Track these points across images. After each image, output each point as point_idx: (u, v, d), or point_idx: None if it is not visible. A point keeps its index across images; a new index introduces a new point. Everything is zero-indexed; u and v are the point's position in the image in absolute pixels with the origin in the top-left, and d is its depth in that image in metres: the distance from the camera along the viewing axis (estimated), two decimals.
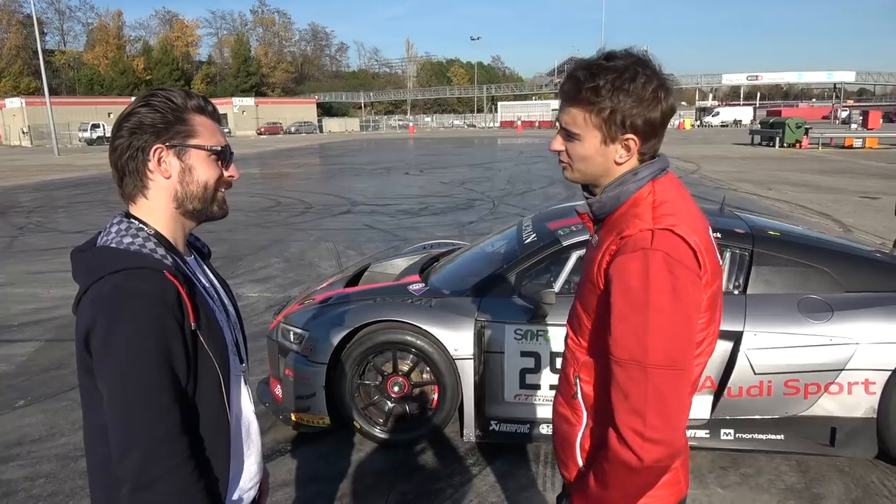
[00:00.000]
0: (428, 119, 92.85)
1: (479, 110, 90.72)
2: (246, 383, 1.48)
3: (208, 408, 1.29)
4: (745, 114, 70.74)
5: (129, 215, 1.33)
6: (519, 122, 72.51)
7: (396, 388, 3.74)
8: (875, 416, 3.35)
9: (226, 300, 1.46)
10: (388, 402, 3.77)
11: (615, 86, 1.32)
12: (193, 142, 1.32)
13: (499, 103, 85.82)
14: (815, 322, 3.36)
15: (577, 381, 1.46)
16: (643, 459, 1.24)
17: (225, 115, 72.95)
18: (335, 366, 3.71)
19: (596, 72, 1.34)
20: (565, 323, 1.61)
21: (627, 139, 1.36)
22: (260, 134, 67.34)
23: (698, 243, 1.30)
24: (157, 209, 1.33)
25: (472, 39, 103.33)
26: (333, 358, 3.69)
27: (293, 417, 3.83)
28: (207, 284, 1.42)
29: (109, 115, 59.27)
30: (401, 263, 5.00)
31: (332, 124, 79.16)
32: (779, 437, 3.43)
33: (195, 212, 1.36)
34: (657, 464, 1.25)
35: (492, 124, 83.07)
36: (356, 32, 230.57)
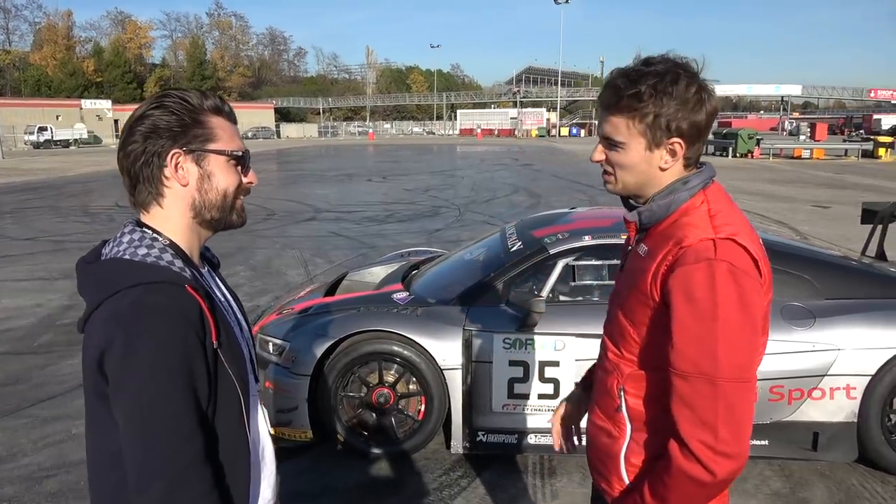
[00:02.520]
0: (387, 126, 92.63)
1: (439, 118, 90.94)
2: (262, 403, 1.40)
3: (228, 431, 1.20)
4: None
5: (140, 224, 1.23)
6: (479, 130, 72.97)
7: (382, 400, 3.65)
8: (856, 420, 3.42)
9: (239, 315, 1.37)
10: (374, 415, 3.68)
11: (657, 90, 1.29)
12: (213, 146, 1.23)
13: (458, 111, 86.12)
14: (797, 329, 3.42)
15: (622, 393, 1.42)
16: (715, 473, 1.21)
17: None
18: (318, 378, 3.60)
19: (636, 78, 1.31)
20: (601, 334, 1.58)
21: (673, 143, 1.33)
22: None
23: (758, 253, 1.28)
24: (172, 218, 1.23)
25: (432, 47, 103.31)
26: (316, 370, 3.58)
27: (273, 431, 3.69)
28: (222, 298, 1.32)
29: (58, 118, 57.40)
30: (379, 272, 4.92)
31: (290, 130, 78.21)
32: (763, 442, 3.46)
33: (213, 221, 1.27)
34: (729, 477, 1.22)
35: (451, 132, 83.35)
36: (315, 37, 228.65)
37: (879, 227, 4.67)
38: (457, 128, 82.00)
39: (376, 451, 3.66)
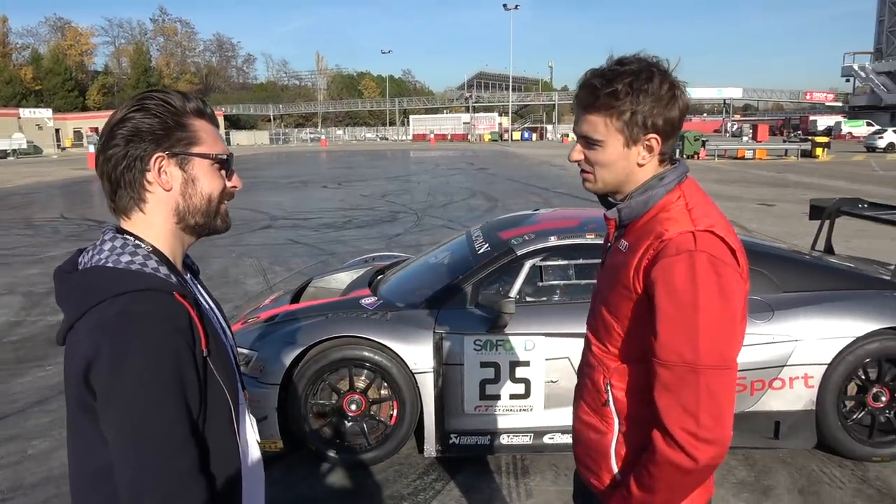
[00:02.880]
0: (340, 132, 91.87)
1: (392, 123, 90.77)
2: (249, 412, 1.37)
3: (220, 441, 1.17)
4: None
5: (121, 230, 1.19)
6: (432, 136, 73.09)
7: (354, 406, 3.62)
8: (814, 408, 3.55)
9: (223, 322, 1.34)
10: (345, 422, 3.64)
11: (633, 87, 1.33)
12: (197, 150, 1.19)
13: (410, 116, 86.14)
14: (757, 322, 3.53)
15: (609, 387, 1.45)
16: (698, 460, 1.24)
17: None
18: (287, 386, 3.55)
19: (612, 77, 1.35)
20: (585, 332, 1.60)
21: (649, 139, 1.37)
22: None
23: (735, 243, 1.32)
24: (155, 224, 1.19)
25: (383, 53, 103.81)
26: (285, 378, 3.53)
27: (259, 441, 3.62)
28: (207, 305, 1.29)
29: None
30: (344, 278, 4.88)
31: (241, 137, 76.77)
32: None
33: (197, 226, 1.23)
34: (712, 462, 1.26)
35: (404, 137, 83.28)
36: (264, 44, 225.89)
37: (827, 222, 4.88)
38: (410, 133, 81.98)
39: (349, 458, 3.62)
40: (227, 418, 1.19)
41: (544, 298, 3.77)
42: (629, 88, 1.33)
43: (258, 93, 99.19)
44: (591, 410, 1.51)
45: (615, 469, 1.46)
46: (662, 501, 1.32)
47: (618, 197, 1.46)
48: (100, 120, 73.87)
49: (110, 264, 1.12)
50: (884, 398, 3.63)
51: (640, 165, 1.40)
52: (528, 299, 3.74)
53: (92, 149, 36.61)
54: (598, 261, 3.98)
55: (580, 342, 3.70)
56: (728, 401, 1.27)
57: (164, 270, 1.15)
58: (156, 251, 1.18)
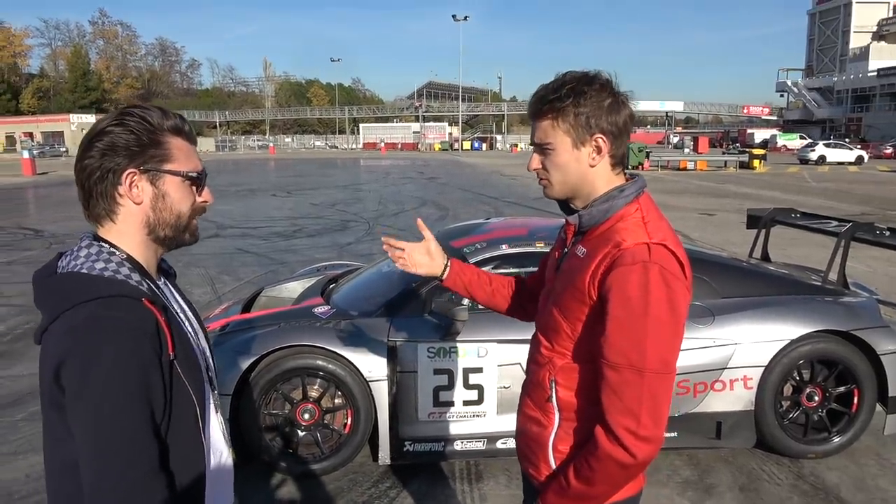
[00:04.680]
0: (288, 140, 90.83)
1: (341, 132, 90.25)
2: (218, 412, 1.39)
3: (184, 441, 1.21)
4: None
5: (97, 238, 1.24)
6: (382, 144, 72.99)
7: (307, 416, 3.60)
8: (753, 408, 3.72)
9: (195, 324, 1.39)
10: (299, 431, 3.61)
11: (575, 90, 1.43)
12: (168, 167, 1.25)
13: (361, 125, 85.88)
14: (699, 326, 3.68)
15: (553, 384, 1.51)
16: (636, 456, 1.32)
17: (61, 132, 66.88)
18: (239, 396, 3.50)
19: (556, 85, 1.46)
20: (522, 339, 1.66)
21: (596, 139, 1.45)
22: None
23: (684, 258, 1.39)
24: (127, 234, 1.25)
25: (333, 61, 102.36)
26: (237, 388, 3.48)
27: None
28: (179, 309, 1.34)
29: None
30: (296, 287, 4.85)
31: None
32: (673, 434, 3.69)
33: (166, 239, 1.30)
34: (648, 459, 1.33)
35: (354, 146, 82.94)
36: (209, 49, 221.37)
37: (763, 231, 5.12)
38: (360, 142, 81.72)
39: (303, 468, 3.60)
40: (193, 420, 1.23)
41: None
42: (571, 91, 1.43)
43: (203, 99, 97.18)
44: (534, 405, 1.58)
45: (552, 461, 1.52)
46: (599, 493, 1.40)
47: (577, 204, 1.53)
48: (34, 125, 71.15)
49: (84, 270, 1.17)
50: (816, 398, 3.82)
51: (591, 166, 1.48)
52: (481, 307, 3.79)
53: (27, 154, 35.16)
54: None
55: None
56: (666, 403, 1.35)
57: (136, 277, 1.20)
58: (130, 259, 1.24)
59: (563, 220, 1.57)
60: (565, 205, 1.56)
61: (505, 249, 3.84)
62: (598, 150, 1.46)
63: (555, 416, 1.52)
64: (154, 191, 1.24)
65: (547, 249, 3.88)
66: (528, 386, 1.65)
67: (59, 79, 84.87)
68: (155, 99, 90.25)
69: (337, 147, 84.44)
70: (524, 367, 3.57)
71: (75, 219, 15.02)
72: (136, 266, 1.23)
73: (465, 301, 3.71)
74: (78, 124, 67.90)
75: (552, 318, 1.53)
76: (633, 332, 1.32)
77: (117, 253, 1.22)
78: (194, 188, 1.30)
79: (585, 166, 1.47)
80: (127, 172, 1.20)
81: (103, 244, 1.22)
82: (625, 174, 1.52)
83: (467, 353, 3.56)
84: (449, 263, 1.93)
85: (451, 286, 1.95)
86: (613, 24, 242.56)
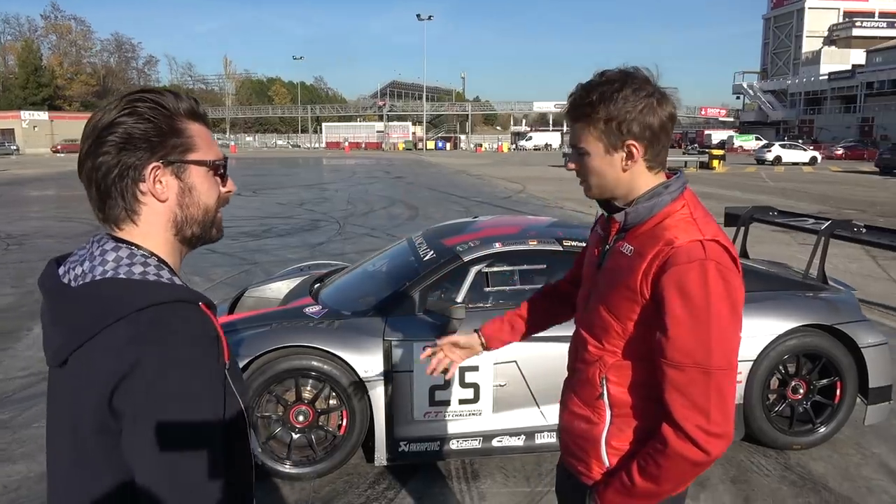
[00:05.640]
0: (250, 139, 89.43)
1: (304, 131, 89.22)
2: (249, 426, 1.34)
3: (239, 454, 1.14)
4: (553, 138, 77.03)
5: (118, 239, 1.10)
6: (346, 144, 72.47)
7: (301, 418, 3.54)
8: (742, 402, 3.79)
9: None
10: (293, 434, 3.55)
11: (605, 95, 1.41)
12: (193, 156, 1.12)
13: (323, 124, 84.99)
14: None
15: (605, 382, 1.50)
16: (710, 452, 1.32)
17: (12, 130, 64.52)
18: None
19: (589, 88, 1.44)
20: (577, 329, 1.65)
21: (628, 145, 1.43)
22: (56, 152, 60.32)
23: (735, 253, 1.40)
24: (151, 235, 1.11)
25: (295, 59, 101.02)
26: None
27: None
28: None
29: None
30: (280, 287, 4.76)
31: None
32: None
33: (194, 238, 1.17)
34: (720, 454, 1.34)
35: (317, 145, 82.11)
36: (167, 46, 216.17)
37: (742, 228, 5.22)
38: (323, 141, 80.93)
39: (297, 471, 3.53)
40: (243, 432, 1.15)
41: (490, 304, 3.82)
42: (601, 96, 1.41)
43: None
44: (583, 403, 1.57)
45: (605, 458, 1.52)
46: (667, 490, 1.39)
47: (619, 203, 1.51)
48: None
49: (123, 276, 1.04)
50: (801, 390, 3.92)
51: (624, 171, 1.46)
52: (475, 305, 3.79)
53: None
54: (542, 266, 4.06)
55: (527, 346, 3.77)
56: (732, 398, 1.35)
57: (178, 282, 1.09)
58: (163, 262, 1.11)
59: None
60: (606, 203, 1.55)
61: (498, 247, 3.83)
62: (631, 155, 1.44)
63: (606, 413, 1.51)
64: (180, 185, 1.11)
65: (540, 247, 3.89)
66: (574, 384, 1.63)
67: (8, 74, 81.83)
68: (111, 96, 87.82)
69: (300, 146, 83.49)
70: (520, 365, 3.60)
71: (30, 218, 14.52)
72: (171, 271, 1.10)
73: (459, 299, 3.70)
74: (30, 121, 65.70)
75: (600, 317, 1.51)
76: (697, 332, 1.32)
77: (152, 256, 1.09)
78: (218, 178, 1.18)
79: (618, 170, 1.46)
80: (151, 167, 1.08)
81: (133, 246, 1.09)
82: (666, 171, 1.52)
83: None
84: (481, 334, 1.97)
85: (498, 347, 2.00)
86: (574, 24, 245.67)
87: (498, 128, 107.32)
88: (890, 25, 72.81)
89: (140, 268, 1.06)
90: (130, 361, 0.96)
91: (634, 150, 1.44)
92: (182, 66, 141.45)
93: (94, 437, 1.01)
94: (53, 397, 1.10)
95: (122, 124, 1.06)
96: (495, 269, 3.84)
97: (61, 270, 1.09)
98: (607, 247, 1.56)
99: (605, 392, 1.51)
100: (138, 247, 1.09)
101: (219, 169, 1.18)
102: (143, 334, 0.98)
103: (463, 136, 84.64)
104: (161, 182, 1.09)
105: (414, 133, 78.36)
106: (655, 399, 1.40)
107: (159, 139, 1.08)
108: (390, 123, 79.98)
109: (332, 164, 41.58)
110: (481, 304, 3.79)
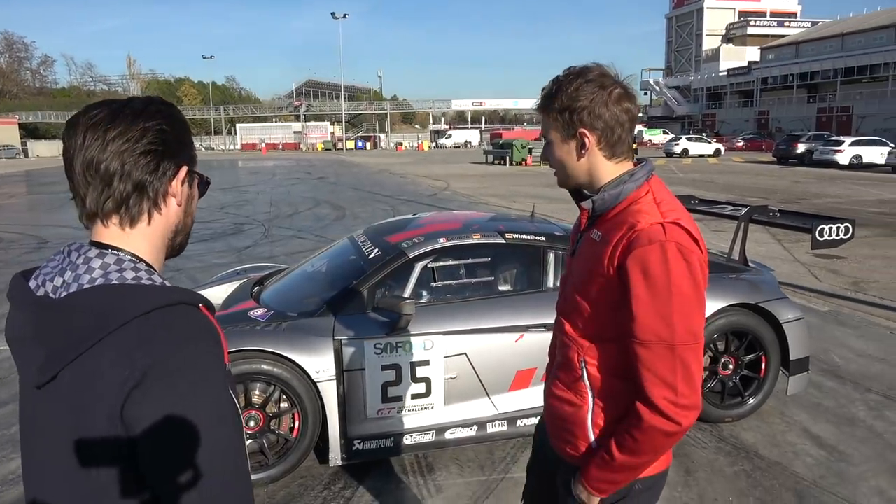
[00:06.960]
0: None
1: (217, 132, 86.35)
2: None
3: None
4: (473, 136, 78.05)
5: (101, 245, 1.04)
6: (263, 145, 70.69)
7: (252, 423, 3.46)
8: None
9: None
10: None
11: (561, 87, 1.50)
12: (196, 167, 1.15)
13: (238, 125, 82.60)
14: None
15: (584, 364, 1.57)
16: (681, 423, 1.40)
17: None
18: None
19: (553, 81, 1.54)
20: (557, 315, 1.71)
21: (580, 133, 1.50)
22: None
23: (697, 234, 1.49)
24: (149, 239, 1.08)
25: (205, 58, 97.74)
26: None
27: None
28: None
29: None
30: (217, 292, 4.62)
31: (41, 148, 68.65)
32: None
33: (178, 246, 1.16)
34: (690, 424, 1.42)
35: (232, 147, 79.71)
36: (64, 45, 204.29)
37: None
38: (238, 142, 78.62)
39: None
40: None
41: (438, 298, 3.86)
42: (559, 88, 1.51)
43: (60, 98, 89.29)
44: (565, 386, 1.63)
45: (591, 438, 1.58)
46: (644, 462, 1.48)
47: (587, 191, 1.58)
48: None
49: (115, 282, 0.99)
50: (731, 366, 4.18)
51: (579, 159, 1.53)
52: (423, 300, 3.82)
53: None
54: (486, 259, 4.13)
55: (475, 338, 3.83)
56: (699, 370, 1.44)
57: (168, 286, 1.05)
58: (151, 266, 1.07)
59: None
60: (575, 192, 1.62)
61: (443, 242, 3.88)
62: (583, 145, 1.51)
63: (588, 395, 1.57)
64: (188, 192, 1.12)
65: (484, 241, 3.97)
66: (555, 368, 1.69)
67: None
68: (3, 100, 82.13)
69: (213, 148, 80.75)
70: (470, 357, 3.66)
71: None
72: (159, 275, 1.07)
73: (406, 294, 3.72)
74: None
75: (575, 302, 1.58)
76: (660, 310, 1.39)
77: (140, 261, 1.05)
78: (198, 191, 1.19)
79: (574, 159, 1.54)
80: (186, 169, 1.10)
81: (117, 251, 1.04)
82: (633, 160, 1.60)
83: (414, 346, 3.57)
84: None
85: None
86: (488, 22, 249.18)
87: (417, 126, 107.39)
88: (780, 24, 78.01)
89: (132, 273, 1.02)
90: (142, 368, 0.92)
91: (586, 140, 1.50)
92: (81, 66, 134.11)
93: (94, 449, 0.95)
94: (40, 423, 1.03)
95: (162, 123, 1.06)
96: (440, 263, 3.88)
97: (32, 284, 1.03)
98: (579, 235, 1.63)
99: (585, 373, 1.57)
100: (123, 251, 1.05)
101: (206, 184, 1.20)
102: (152, 339, 0.94)
103: (382, 135, 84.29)
104: (184, 185, 1.10)
105: (333, 133, 77.39)
106: (631, 378, 1.48)
107: (185, 144, 1.11)
108: (308, 123, 78.66)
109: (250, 165, 40.46)
110: (430, 299, 3.83)
